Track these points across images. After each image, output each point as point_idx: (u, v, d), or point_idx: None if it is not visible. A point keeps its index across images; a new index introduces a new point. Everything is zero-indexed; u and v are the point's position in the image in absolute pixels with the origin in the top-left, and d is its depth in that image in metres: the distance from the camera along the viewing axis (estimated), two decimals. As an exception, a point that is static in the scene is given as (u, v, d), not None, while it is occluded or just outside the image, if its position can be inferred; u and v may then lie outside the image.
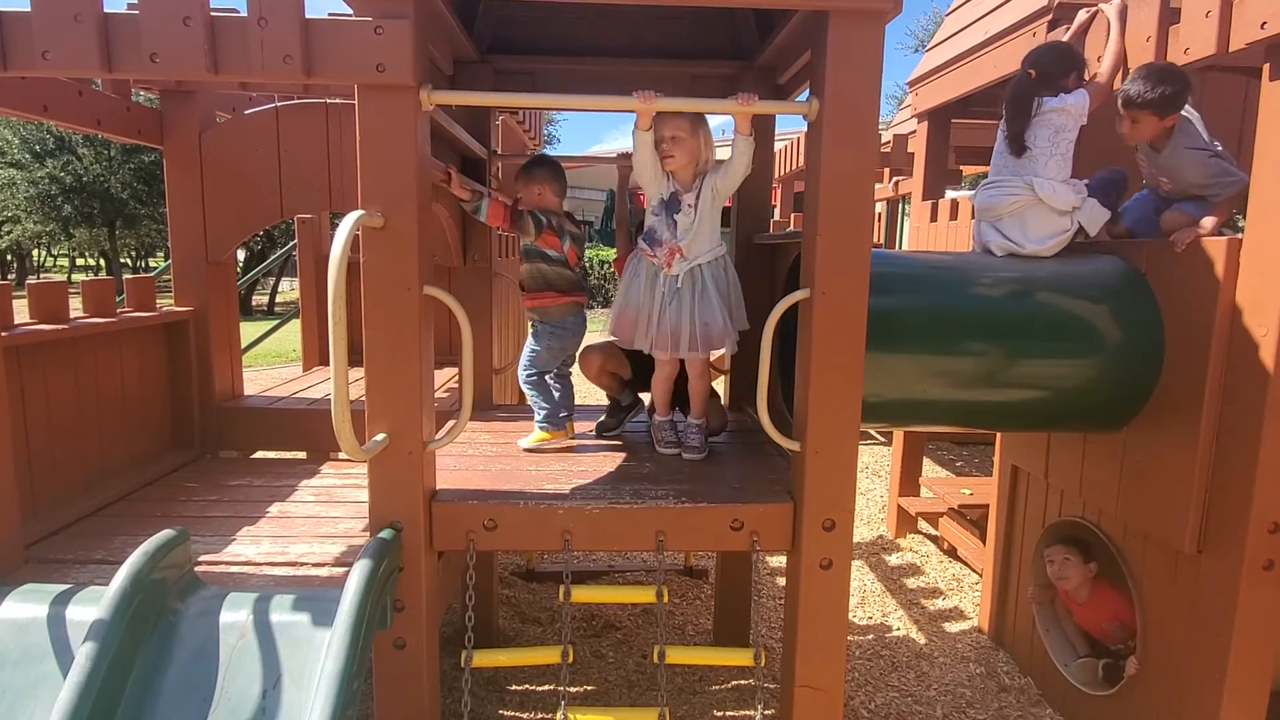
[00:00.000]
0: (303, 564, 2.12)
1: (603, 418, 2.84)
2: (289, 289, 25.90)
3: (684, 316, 2.36)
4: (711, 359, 3.54)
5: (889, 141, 6.29)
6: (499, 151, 3.27)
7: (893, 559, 4.38)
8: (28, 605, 1.80)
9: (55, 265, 40.99)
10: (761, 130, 3.08)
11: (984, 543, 3.67)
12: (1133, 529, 2.51)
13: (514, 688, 2.96)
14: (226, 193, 2.95)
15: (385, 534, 1.92)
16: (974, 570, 4.09)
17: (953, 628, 3.59)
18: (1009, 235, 2.62)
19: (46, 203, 17.26)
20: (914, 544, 4.57)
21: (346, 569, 2.10)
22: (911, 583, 4.08)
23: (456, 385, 3.55)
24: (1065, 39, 2.82)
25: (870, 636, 3.48)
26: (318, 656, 1.75)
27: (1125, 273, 2.48)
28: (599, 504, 2.04)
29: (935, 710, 2.92)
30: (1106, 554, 2.67)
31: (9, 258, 31.12)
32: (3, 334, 2.04)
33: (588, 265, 20.26)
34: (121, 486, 2.60)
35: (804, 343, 2.00)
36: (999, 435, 3.38)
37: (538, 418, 2.59)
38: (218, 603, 1.85)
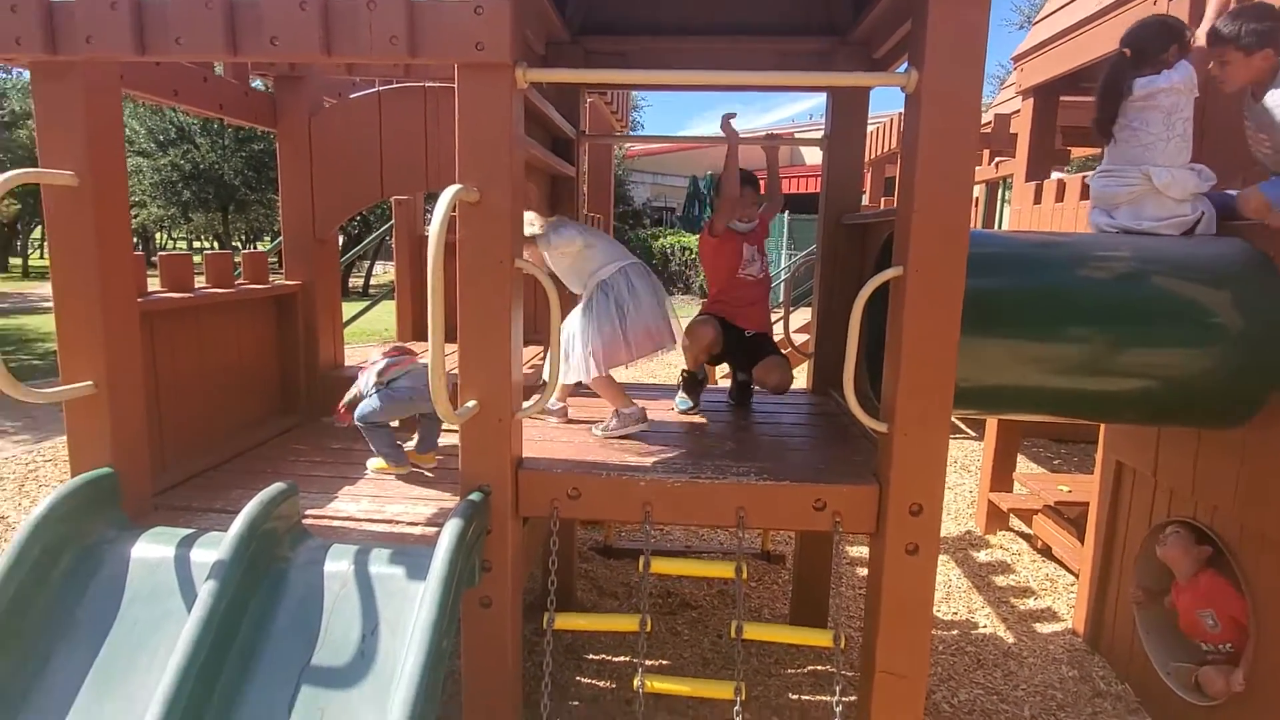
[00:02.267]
0: (398, 522, 2.24)
1: (682, 396, 2.85)
2: (382, 272, 27.05)
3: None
4: (797, 343, 3.52)
5: (990, 121, 5.99)
6: (587, 132, 3.31)
7: (981, 556, 4.22)
8: (156, 547, 1.98)
9: (174, 248, 44.35)
10: (854, 110, 3.01)
11: (1082, 542, 3.48)
12: (1250, 532, 2.33)
13: (591, 656, 3.03)
14: (332, 173, 3.12)
15: (474, 497, 2.00)
16: (1069, 571, 3.90)
17: (1044, 628, 3.43)
18: (1125, 226, 2.48)
19: (168, 188, 18.64)
20: (1004, 541, 4.39)
21: (438, 529, 2.21)
22: (1001, 581, 3.93)
23: (539, 363, 3.64)
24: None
25: (955, 632, 3.38)
26: (412, 607, 1.85)
27: (1249, 256, 2.29)
28: (680, 478, 2.05)
29: (1023, 710, 2.81)
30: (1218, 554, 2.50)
31: (134, 240, 33.92)
32: (139, 300, 2.23)
33: (668, 251, 20.25)
34: (236, 446, 2.80)
35: (894, 321, 1.95)
36: (1102, 429, 3.19)
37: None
38: (322, 553, 1.97)
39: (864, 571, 3.83)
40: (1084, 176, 3.40)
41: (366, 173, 3.10)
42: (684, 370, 2.93)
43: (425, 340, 4.37)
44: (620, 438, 2.49)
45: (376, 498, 2.42)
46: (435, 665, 1.65)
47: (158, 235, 34.02)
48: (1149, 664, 2.78)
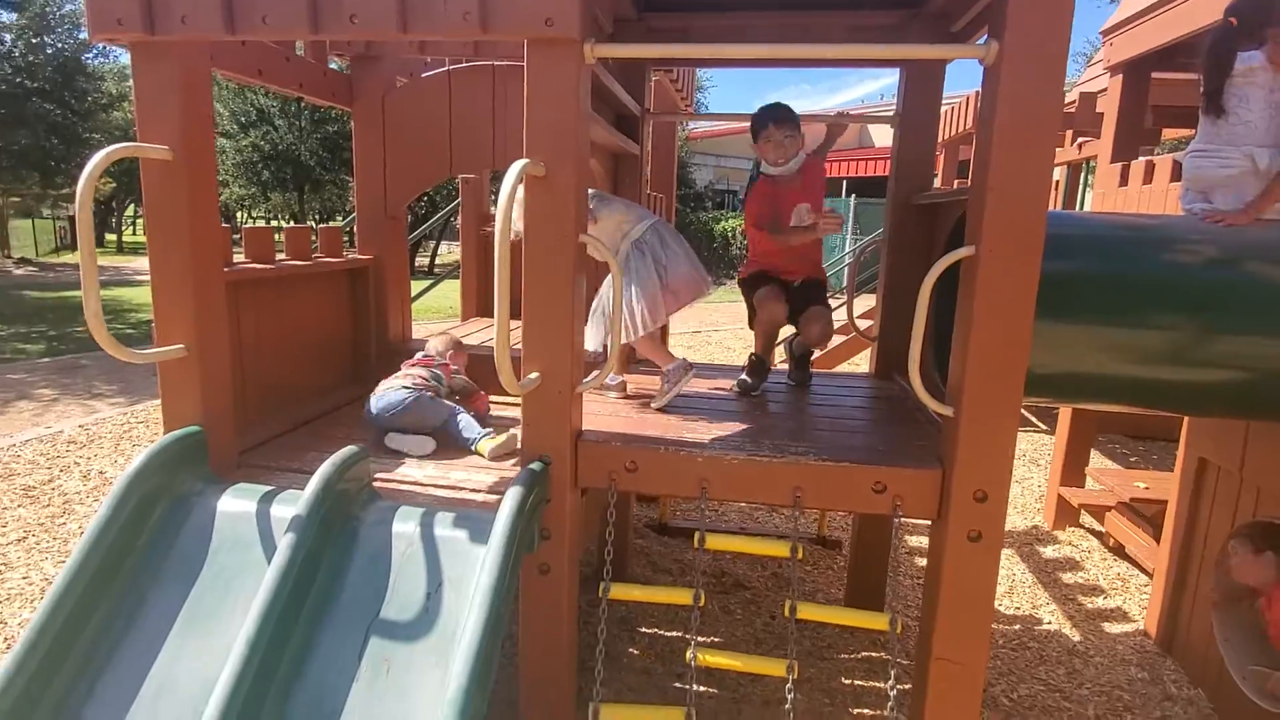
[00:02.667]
0: (461, 488, 2.32)
1: (744, 377, 2.84)
2: (447, 251, 27.66)
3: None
4: (861, 328, 3.46)
5: (1074, 100, 5.70)
6: (651, 110, 3.30)
7: (1048, 551, 4.08)
8: (240, 501, 2.10)
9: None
10: (927, 86, 2.91)
11: (1159, 541, 3.33)
12: (1350, 536, 2.19)
13: (644, 630, 3.08)
14: (404, 151, 3.20)
15: (535, 466, 2.05)
16: (1142, 570, 3.74)
17: (1113, 628, 3.30)
18: (1221, 209, 2.35)
19: (249, 168, 19.50)
20: (1074, 538, 4.23)
21: (499, 496, 2.27)
22: (1068, 578, 3.79)
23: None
24: None
25: (1017, 627, 3.29)
26: (474, 568, 1.91)
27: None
28: (738, 455, 2.06)
29: (1087, 710, 2.73)
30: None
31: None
32: (225, 270, 2.36)
33: (729, 235, 20.07)
34: (310, 411, 2.93)
35: (964, 303, 1.90)
36: (1185, 423, 3.04)
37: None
38: (391, 514, 2.06)
39: (922, 561, 3.76)
40: (1174, 156, 3.21)
41: (436, 151, 3.18)
42: (753, 353, 2.90)
43: (490, 317, 4.49)
44: (675, 397, 2.58)
45: (441, 464, 2.51)
46: (495, 626, 1.71)
47: (239, 214, 35.75)
48: (1225, 670, 2.65)
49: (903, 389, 2.85)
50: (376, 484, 2.25)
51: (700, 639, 3.01)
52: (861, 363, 8.39)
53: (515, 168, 1.78)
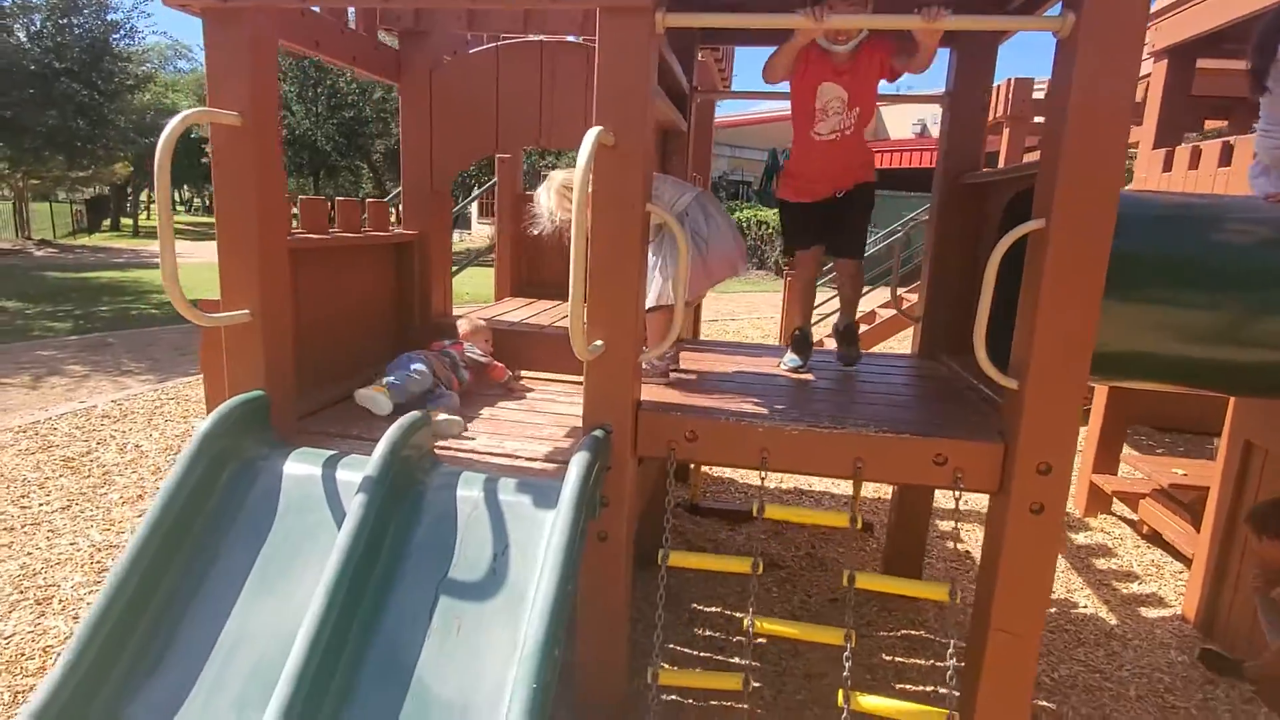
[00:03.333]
0: (517, 456, 2.34)
1: (791, 355, 2.85)
2: (459, 239, 27.65)
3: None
4: (903, 307, 3.46)
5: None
6: (698, 88, 3.31)
7: (1080, 538, 4.09)
8: (305, 465, 2.13)
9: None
10: (979, 63, 2.90)
11: (1198, 528, 3.33)
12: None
13: (695, 606, 3.12)
14: (450, 127, 3.22)
15: (598, 434, 2.07)
16: (1178, 557, 3.74)
17: (1150, 613, 3.31)
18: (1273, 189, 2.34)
19: (266, 154, 19.54)
20: (1105, 525, 4.23)
21: (555, 464, 2.30)
22: (1101, 564, 3.80)
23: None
24: None
25: (1053, 610, 3.30)
26: (540, 532, 1.94)
27: None
28: (798, 425, 2.07)
29: (1128, 690, 2.74)
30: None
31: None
32: (288, 237, 2.38)
33: (746, 225, 20.01)
34: (359, 381, 2.96)
35: (1032, 276, 1.91)
36: (1230, 406, 3.03)
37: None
38: (454, 479, 2.09)
39: (950, 543, 3.77)
40: (1224, 141, 3.20)
41: (483, 126, 3.19)
42: (796, 328, 2.90)
43: (525, 298, 4.51)
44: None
45: (494, 435, 2.53)
46: (568, 587, 1.74)
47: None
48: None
49: (950, 369, 2.86)
50: (436, 452, 2.29)
51: (739, 615, 3.06)
52: (903, 340, 8.40)
53: (590, 137, 1.79)
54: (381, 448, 1.98)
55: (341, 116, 19.61)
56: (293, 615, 1.83)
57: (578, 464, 1.91)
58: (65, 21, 8.71)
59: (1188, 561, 3.47)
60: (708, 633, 2.97)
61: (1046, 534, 1.93)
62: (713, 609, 3.13)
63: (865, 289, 3.56)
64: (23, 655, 2.59)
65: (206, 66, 2.12)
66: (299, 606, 1.84)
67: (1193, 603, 3.20)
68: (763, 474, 2.10)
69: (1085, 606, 3.35)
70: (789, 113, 2.66)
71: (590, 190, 1.76)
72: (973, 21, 1.94)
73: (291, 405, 2.39)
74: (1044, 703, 2.64)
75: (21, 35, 8.66)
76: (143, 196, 32.91)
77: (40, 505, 3.85)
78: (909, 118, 25.26)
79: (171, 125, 1.89)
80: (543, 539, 1.93)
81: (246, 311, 2.19)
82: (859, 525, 2.03)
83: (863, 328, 7.53)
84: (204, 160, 22.24)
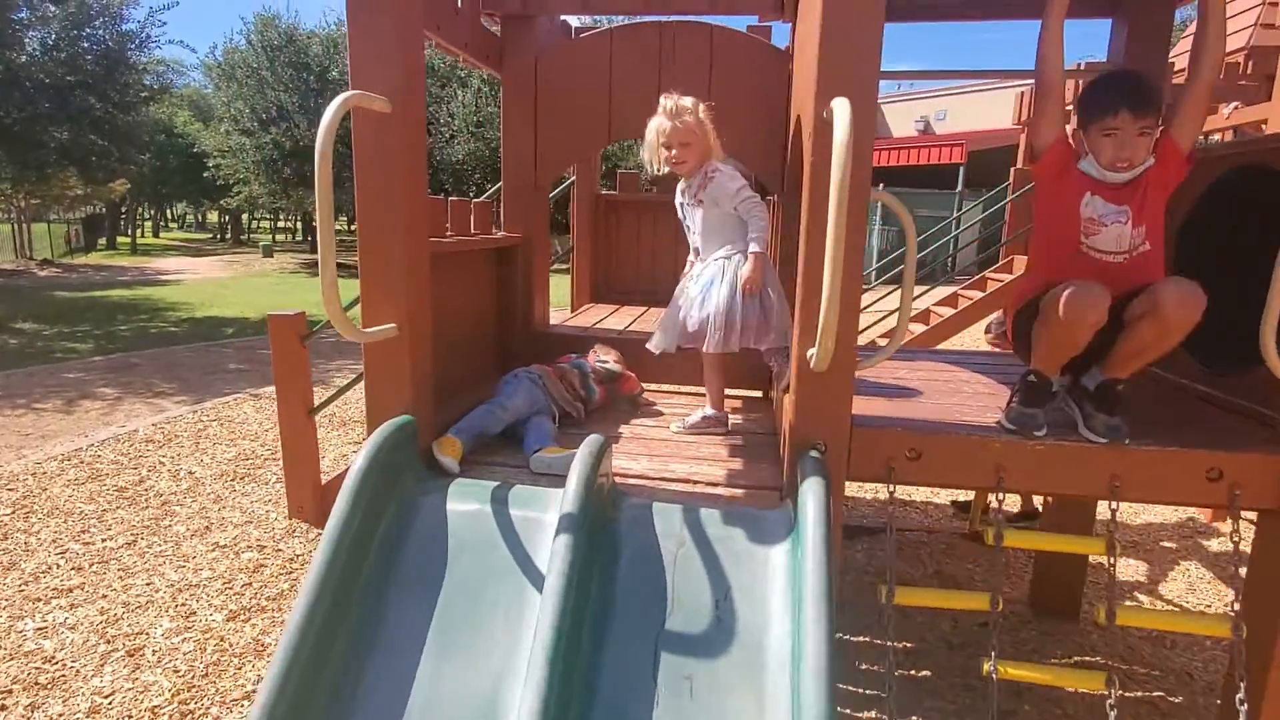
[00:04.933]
0: (694, 481, 2.08)
1: (1018, 406, 1.91)
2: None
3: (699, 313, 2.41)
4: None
5: (1244, 54, 5.04)
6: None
7: (1214, 545, 3.83)
8: (471, 500, 1.86)
9: (260, 228, 46.00)
10: (1154, 36, 2.65)
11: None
12: None
13: (843, 636, 2.85)
14: (558, 117, 2.96)
15: (814, 454, 1.80)
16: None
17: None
18: None
19: (269, 166, 19.23)
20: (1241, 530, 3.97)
21: (741, 489, 2.04)
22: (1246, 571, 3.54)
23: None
24: None
25: (1225, 625, 3.04)
26: (764, 572, 1.68)
27: None
28: (1043, 440, 1.81)
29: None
30: None
31: (225, 219, 35.29)
32: (432, 240, 2.11)
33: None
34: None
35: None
36: None
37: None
38: (647, 512, 1.82)
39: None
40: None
41: (594, 116, 2.93)
42: (1030, 372, 1.93)
43: (606, 304, 4.24)
44: (699, 434, 2.45)
45: (653, 456, 2.27)
46: (833, 639, 1.47)
47: (243, 217, 35.36)
48: None
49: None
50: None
51: (893, 643, 2.79)
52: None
53: (844, 106, 1.52)
54: (576, 478, 1.71)
55: (345, 126, 19.25)
56: (487, 677, 1.57)
57: (814, 492, 1.64)
58: (77, 33, 8.41)
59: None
60: (863, 666, 2.70)
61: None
62: (860, 638, 2.87)
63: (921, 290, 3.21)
64: (129, 718, 2.30)
65: (350, 52, 1.85)
66: (493, 667, 1.58)
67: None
68: (999, 496, 1.83)
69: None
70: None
71: (848, 174, 1.49)
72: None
73: (432, 429, 2.12)
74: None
75: (34, 47, 8.37)
76: (140, 213, 32.56)
77: (104, 541, 3.55)
78: (912, 115, 25.13)
79: (332, 109, 1.63)
80: (770, 581, 1.66)
81: (393, 326, 1.92)
82: (1116, 554, 1.76)
83: (919, 327, 7.28)
84: (204, 175, 21.97)
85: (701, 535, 1.76)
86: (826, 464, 1.82)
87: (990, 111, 19.92)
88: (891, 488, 1.89)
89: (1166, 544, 3.86)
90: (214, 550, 3.49)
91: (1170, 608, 3.15)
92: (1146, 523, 4.10)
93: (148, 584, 3.16)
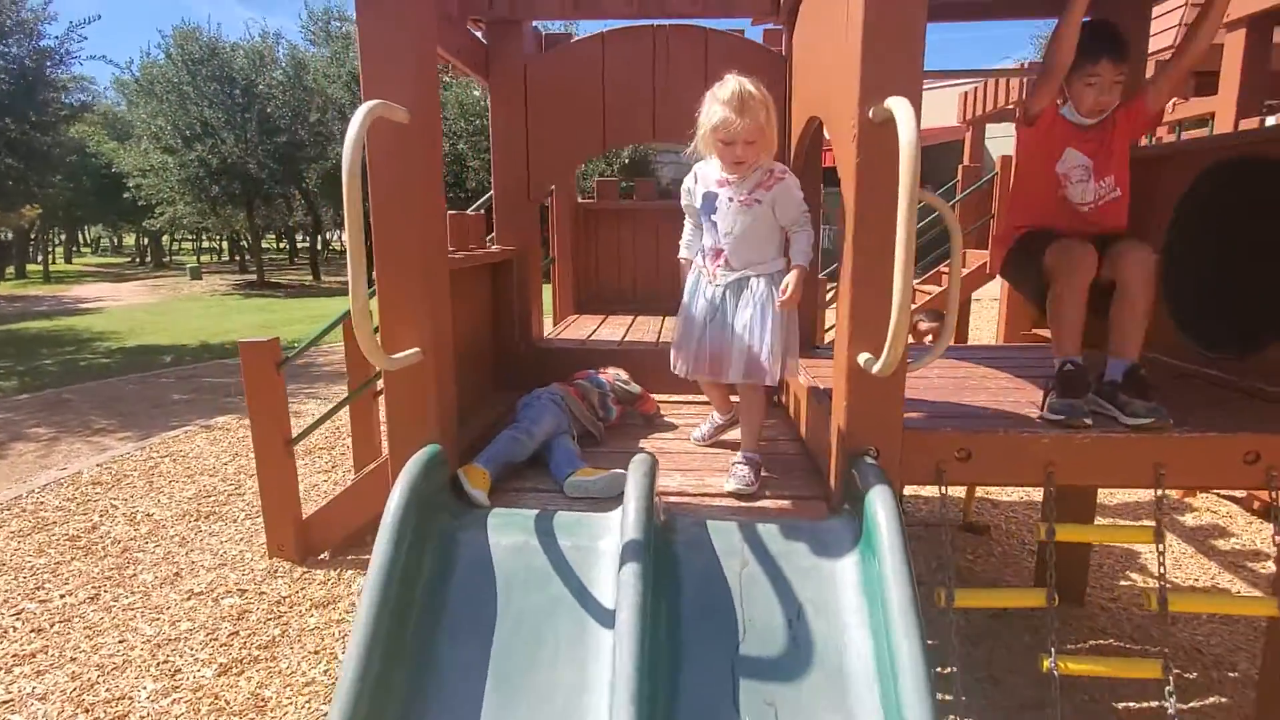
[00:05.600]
0: (736, 495, 2.01)
1: (1056, 400, 1.93)
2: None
3: (728, 336, 2.08)
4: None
5: (1172, 52, 5.49)
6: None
7: (1189, 520, 3.99)
8: (512, 531, 1.76)
9: (181, 249, 43.90)
10: (1133, 27, 2.73)
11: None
12: None
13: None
14: (550, 126, 2.87)
15: (869, 460, 1.76)
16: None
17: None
18: None
19: (195, 184, 18.32)
20: (1210, 504, 4.16)
21: (786, 500, 1.98)
22: (1222, 545, 3.70)
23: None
24: None
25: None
26: (832, 586, 1.63)
27: None
28: (1089, 433, 1.82)
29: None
30: None
31: (145, 240, 33.48)
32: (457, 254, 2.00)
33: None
34: (479, 422, 2.57)
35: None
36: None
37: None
38: (702, 531, 1.75)
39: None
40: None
41: (587, 123, 2.86)
42: (1066, 362, 1.99)
43: (589, 315, 4.15)
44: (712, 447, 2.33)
45: (686, 471, 2.19)
46: (926, 652, 1.42)
47: (165, 238, 33.59)
48: None
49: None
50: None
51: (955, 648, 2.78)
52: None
53: (904, 106, 1.49)
54: (635, 502, 1.63)
55: (275, 142, 18.56)
56: (560, 721, 1.46)
57: (884, 501, 1.60)
58: (-8, 51, 7.80)
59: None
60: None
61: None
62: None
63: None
64: (126, 797, 2.09)
65: (362, 57, 1.73)
66: (558, 710, 1.48)
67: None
68: (1051, 489, 1.83)
69: (1237, 589, 3.22)
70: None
71: (917, 175, 1.46)
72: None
73: (455, 458, 1.99)
74: None
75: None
76: (51, 238, 30.62)
77: (63, 597, 3.26)
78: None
79: (358, 120, 1.51)
80: (841, 595, 1.62)
81: (417, 350, 1.79)
82: (1163, 540, 1.78)
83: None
84: (124, 196, 20.74)
85: (764, 552, 1.70)
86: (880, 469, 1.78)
87: (929, 112, 20.59)
88: (943, 489, 1.86)
89: (1146, 522, 3.99)
90: (189, 598, 3.24)
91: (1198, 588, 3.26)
92: (1122, 502, 4.24)
93: (121, 641, 2.90)
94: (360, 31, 1.71)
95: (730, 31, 2.85)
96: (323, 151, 19.88)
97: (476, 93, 20.91)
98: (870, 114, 1.62)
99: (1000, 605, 2.03)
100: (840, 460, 1.81)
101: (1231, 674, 2.64)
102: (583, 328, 3.73)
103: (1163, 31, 6.66)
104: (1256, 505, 3.94)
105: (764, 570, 1.66)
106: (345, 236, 1.52)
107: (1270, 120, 3.63)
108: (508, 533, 1.76)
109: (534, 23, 3.13)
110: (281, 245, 39.82)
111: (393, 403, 1.86)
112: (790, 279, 1.99)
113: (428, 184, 1.81)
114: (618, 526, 1.76)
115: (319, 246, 25.17)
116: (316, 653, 2.81)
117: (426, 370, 1.83)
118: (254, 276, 21.42)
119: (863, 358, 1.70)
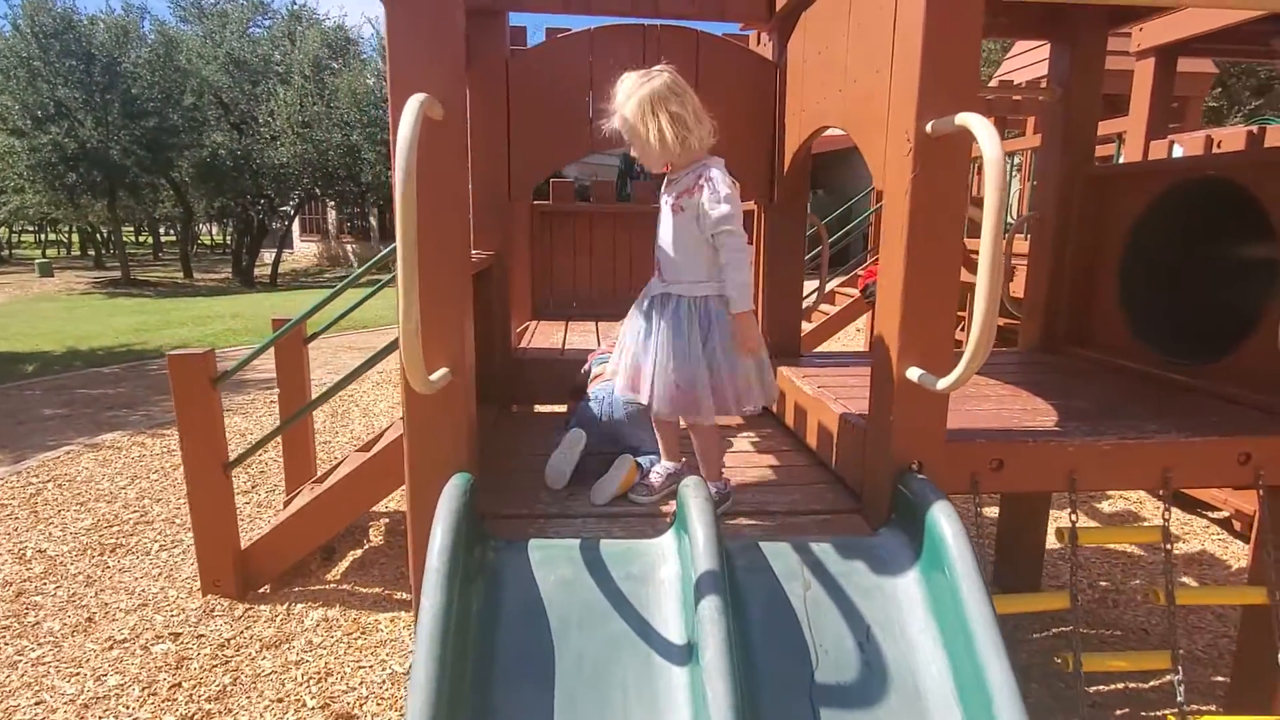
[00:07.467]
0: (771, 511, 1.97)
1: None
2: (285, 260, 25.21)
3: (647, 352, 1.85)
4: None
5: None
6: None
7: (1145, 513, 4.31)
8: (558, 565, 1.64)
9: (23, 243, 39.37)
10: (1091, 51, 2.91)
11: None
12: None
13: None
14: (533, 124, 2.72)
15: (920, 475, 1.76)
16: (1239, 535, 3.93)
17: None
18: None
19: (48, 171, 16.41)
20: (1131, 494, 4.52)
21: (825, 515, 1.96)
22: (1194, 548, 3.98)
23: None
24: None
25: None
26: (896, 604, 1.62)
27: None
28: (1109, 439, 1.90)
29: None
30: None
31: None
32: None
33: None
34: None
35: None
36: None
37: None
38: (757, 552, 1.70)
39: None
40: (1250, 128, 3.49)
41: (573, 122, 2.73)
42: None
43: (548, 320, 4.00)
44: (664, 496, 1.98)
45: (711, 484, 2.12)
46: (1014, 669, 1.43)
47: (6, 229, 29.88)
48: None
49: (1095, 360, 2.83)
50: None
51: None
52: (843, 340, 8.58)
53: (982, 122, 1.48)
54: (703, 529, 1.55)
55: (142, 126, 16.89)
56: (640, 774, 1.36)
57: (947, 515, 1.60)
58: None
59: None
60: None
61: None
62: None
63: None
64: None
65: (390, 49, 1.55)
66: (640, 758, 1.38)
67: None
68: (1073, 495, 1.90)
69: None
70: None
71: (1004, 193, 1.46)
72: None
73: (481, 484, 1.84)
74: None
75: None
76: None
77: (-51, 656, 2.79)
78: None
79: (410, 116, 1.34)
80: (907, 613, 1.60)
81: (446, 370, 1.63)
82: (1172, 541, 1.90)
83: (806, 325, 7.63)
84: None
85: (825, 573, 1.66)
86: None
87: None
88: (977, 498, 1.90)
89: (1154, 523, 4.23)
90: (112, 647, 2.86)
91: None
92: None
93: (37, 703, 2.51)
94: (386, 21, 1.53)
95: (724, 35, 2.80)
96: (197, 138, 18.33)
97: (370, 81, 19.91)
98: (929, 128, 1.62)
99: (1026, 610, 2.09)
100: (886, 475, 1.80)
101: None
102: (548, 336, 3.58)
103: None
104: (1238, 526, 4.20)
105: (827, 592, 1.63)
106: (399, 252, 1.35)
107: (1178, 150, 3.98)
108: (554, 567, 1.63)
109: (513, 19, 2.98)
110: (143, 239, 36.44)
111: (416, 426, 1.68)
112: (737, 329, 1.78)
113: (459, 187, 1.65)
114: (671, 553, 1.68)
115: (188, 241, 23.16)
116: (280, 700, 2.54)
117: (455, 391, 1.67)
118: (117, 274, 19.43)
119: (915, 373, 1.69)
